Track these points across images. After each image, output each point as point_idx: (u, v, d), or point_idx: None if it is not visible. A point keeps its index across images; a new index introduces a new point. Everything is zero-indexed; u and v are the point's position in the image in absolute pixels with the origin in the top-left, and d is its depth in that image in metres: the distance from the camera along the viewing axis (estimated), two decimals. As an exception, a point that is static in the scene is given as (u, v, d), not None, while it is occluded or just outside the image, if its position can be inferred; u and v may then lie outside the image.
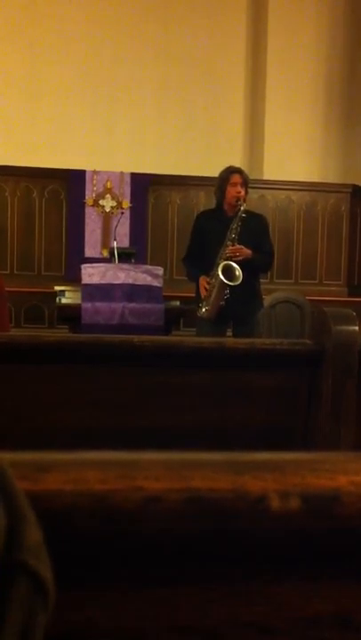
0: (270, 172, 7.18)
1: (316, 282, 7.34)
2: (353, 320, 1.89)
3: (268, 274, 7.13)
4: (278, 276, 7.22)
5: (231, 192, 4.39)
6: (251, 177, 7.20)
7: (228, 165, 4.59)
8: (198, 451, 0.64)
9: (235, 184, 4.40)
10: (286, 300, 6.48)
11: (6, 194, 6.87)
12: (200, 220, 4.63)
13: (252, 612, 0.64)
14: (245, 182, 4.45)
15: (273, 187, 7.18)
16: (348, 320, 1.88)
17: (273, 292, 6.84)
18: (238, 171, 4.48)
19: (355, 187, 7.35)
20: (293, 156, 7.27)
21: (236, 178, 4.42)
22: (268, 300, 6.70)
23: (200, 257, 4.42)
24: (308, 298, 6.65)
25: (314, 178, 7.38)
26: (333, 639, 0.66)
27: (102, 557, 0.61)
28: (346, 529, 0.61)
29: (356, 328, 1.87)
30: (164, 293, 4.58)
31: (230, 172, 4.47)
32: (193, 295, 4.52)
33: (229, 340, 2.87)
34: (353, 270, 7.39)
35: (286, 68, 7.20)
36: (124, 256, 5.06)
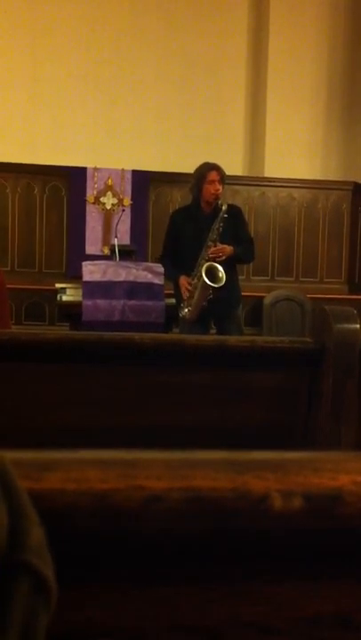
0: (271, 169, 7.18)
1: (317, 280, 7.34)
2: (354, 318, 1.89)
3: (269, 272, 7.14)
4: (279, 273, 7.22)
5: (209, 189, 4.32)
6: (252, 174, 7.24)
7: (204, 162, 4.52)
8: (199, 450, 0.64)
9: (212, 181, 4.32)
10: (287, 298, 6.48)
11: (7, 191, 6.87)
12: (176, 218, 4.56)
13: (252, 611, 0.64)
14: (223, 179, 4.37)
15: (274, 184, 7.17)
16: (349, 318, 1.87)
17: (274, 290, 6.85)
18: (216, 167, 4.37)
19: (356, 184, 7.34)
20: (294, 153, 7.26)
21: (213, 175, 4.33)
22: (268, 297, 6.71)
23: (177, 256, 4.38)
24: (308, 296, 6.65)
25: (315, 175, 7.37)
26: (334, 639, 0.66)
27: (103, 556, 0.61)
28: (348, 529, 0.61)
29: (358, 326, 1.87)
30: (165, 291, 4.57)
31: (208, 168, 4.38)
32: (174, 293, 4.47)
33: (230, 338, 2.87)
34: (354, 268, 7.38)
35: (287, 65, 7.18)
36: (125, 253, 5.05)
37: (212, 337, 2.49)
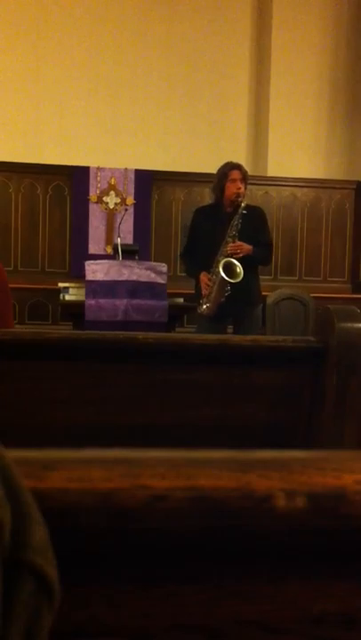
0: (274, 168, 7.17)
1: (321, 279, 7.33)
2: (357, 317, 1.89)
3: (272, 271, 7.14)
4: (282, 273, 7.22)
5: (231, 188, 4.37)
6: (255, 173, 7.23)
7: (226, 161, 4.57)
8: (202, 448, 0.64)
9: (234, 180, 4.37)
10: (290, 297, 6.47)
11: (10, 190, 6.88)
12: (198, 216, 4.61)
13: (256, 610, 0.64)
14: (245, 178, 4.43)
15: (277, 183, 7.17)
16: (352, 317, 1.87)
17: (277, 289, 6.84)
18: (238, 166, 4.45)
19: (359, 183, 7.34)
20: (298, 152, 7.26)
21: (235, 174, 4.39)
22: (272, 297, 6.70)
23: (198, 253, 4.41)
24: (311, 295, 6.64)
25: (318, 174, 7.37)
26: (338, 638, 0.66)
27: (107, 555, 0.61)
28: (352, 528, 0.60)
29: (361, 325, 1.86)
30: (168, 290, 4.57)
31: (230, 167, 4.44)
32: (195, 291, 4.51)
33: (233, 337, 2.87)
34: (357, 267, 7.38)
35: (291, 64, 7.18)
36: (128, 253, 5.06)
37: (215, 336, 2.49)
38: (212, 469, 0.60)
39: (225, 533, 0.60)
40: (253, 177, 7.18)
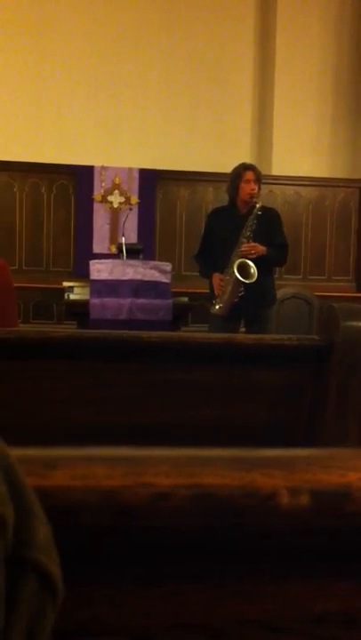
0: (279, 167, 7.17)
1: (325, 277, 7.32)
2: (362, 316, 1.88)
3: (277, 269, 7.12)
4: (287, 271, 7.21)
5: (245, 189, 4.38)
6: (259, 172, 7.22)
7: (240, 162, 4.58)
8: (206, 447, 0.64)
9: (248, 181, 4.39)
10: (295, 296, 6.46)
11: (15, 190, 6.88)
12: (213, 217, 4.62)
13: (257, 610, 0.64)
14: (259, 179, 4.45)
15: (281, 182, 7.16)
16: (356, 316, 1.87)
17: (281, 287, 6.83)
18: (252, 167, 4.47)
19: (363, 182, 7.33)
20: (302, 151, 7.25)
21: (249, 174, 4.41)
22: (276, 295, 6.69)
23: (213, 254, 4.42)
24: (316, 294, 6.63)
25: (322, 173, 7.36)
26: (340, 638, 0.66)
27: (110, 554, 0.61)
28: (356, 526, 0.60)
29: (365, 324, 1.86)
30: (172, 289, 4.57)
31: (244, 168, 4.46)
32: (200, 291, 4.53)
33: (237, 335, 2.87)
34: (361, 266, 7.37)
35: (294, 63, 7.17)
36: (133, 252, 5.05)
37: (219, 335, 2.49)
38: (215, 468, 0.59)
39: (228, 532, 0.59)
40: (262, 177, 7.19)
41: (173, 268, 5.00)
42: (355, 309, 1.90)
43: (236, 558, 0.62)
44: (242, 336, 2.53)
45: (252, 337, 2.10)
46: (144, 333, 1.91)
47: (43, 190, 6.92)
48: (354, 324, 1.85)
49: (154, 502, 0.57)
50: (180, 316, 4.62)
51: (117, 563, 0.61)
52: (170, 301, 4.46)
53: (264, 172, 7.15)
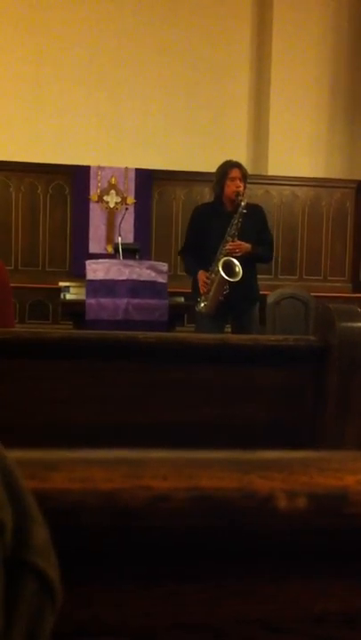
0: (275, 167, 7.17)
1: (321, 278, 7.33)
2: (358, 316, 1.89)
3: (273, 270, 7.13)
4: (283, 272, 7.22)
5: (231, 187, 4.37)
6: (255, 172, 7.23)
7: (226, 159, 4.57)
8: (203, 448, 0.64)
9: (234, 178, 4.37)
10: (291, 297, 6.47)
11: (11, 189, 6.88)
12: (198, 214, 4.60)
13: (258, 610, 0.64)
14: (245, 176, 4.43)
15: (278, 182, 7.17)
16: (352, 316, 1.87)
17: (277, 288, 6.84)
18: (237, 165, 4.44)
19: (360, 182, 7.33)
20: (298, 151, 7.26)
21: (235, 172, 4.39)
22: (272, 296, 6.70)
23: (198, 251, 4.40)
24: (312, 294, 6.64)
25: (318, 173, 7.36)
26: (339, 638, 0.66)
27: (109, 555, 0.61)
28: (353, 528, 0.60)
29: (362, 325, 1.86)
30: (169, 289, 4.57)
31: (230, 166, 4.44)
32: (192, 289, 4.50)
33: (234, 336, 2.87)
34: (357, 266, 7.38)
35: (291, 63, 7.17)
36: (129, 252, 5.05)
37: (216, 335, 2.49)
38: (213, 470, 0.60)
39: (226, 533, 0.60)
40: (254, 176, 7.18)
41: (170, 268, 5.00)
42: (351, 310, 1.90)
43: (235, 558, 0.63)
44: (238, 336, 2.53)
45: (248, 337, 2.10)
46: (141, 334, 1.92)
47: (39, 190, 6.91)
48: (350, 324, 1.85)
49: (152, 504, 0.58)
50: (176, 316, 4.62)
51: (117, 563, 0.61)
52: (166, 301, 4.46)
53: (260, 172, 7.18)
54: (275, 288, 6.84)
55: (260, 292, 4.72)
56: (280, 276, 7.16)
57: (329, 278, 7.34)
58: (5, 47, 6.97)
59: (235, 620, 0.64)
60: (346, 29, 7.38)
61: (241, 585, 0.64)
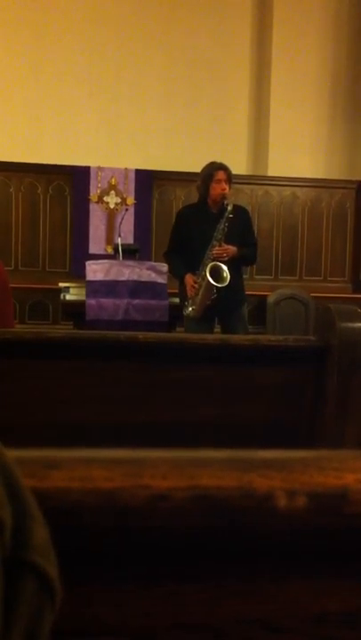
0: (275, 168, 7.17)
1: (321, 278, 7.33)
2: (358, 316, 1.89)
3: (273, 270, 7.14)
4: (283, 272, 7.22)
5: (216, 189, 4.35)
6: (255, 173, 7.24)
7: (211, 161, 4.55)
8: (203, 447, 0.64)
9: (219, 181, 4.35)
10: (291, 297, 6.47)
11: (11, 190, 6.88)
12: (183, 215, 4.59)
13: (258, 610, 0.64)
14: (230, 179, 4.41)
15: (278, 183, 7.17)
16: (352, 316, 1.87)
17: (277, 288, 6.84)
18: (222, 167, 4.41)
19: (360, 183, 7.33)
20: (298, 151, 7.26)
21: (220, 174, 4.37)
22: (272, 296, 6.70)
23: (183, 253, 4.39)
24: (312, 294, 6.64)
25: (319, 174, 7.37)
26: (340, 637, 0.66)
27: (109, 555, 0.61)
28: (353, 527, 0.60)
29: (362, 325, 1.86)
30: (168, 290, 4.57)
31: (215, 168, 4.41)
32: (178, 291, 4.48)
33: (234, 337, 2.87)
34: (357, 267, 7.38)
35: (291, 63, 7.17)
36: (129, 252, 5.06)
37: (215, 336, 2.49)
38: (213, 469, 0.60)
39: (226, 533, 0.60)
40: (254, 176, 7.20)
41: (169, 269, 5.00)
42: (351, 310, 1.90)
43: (236, 558, 0.63)
44: (238, 337, 2.53)
45: (249, 337, 2.10)
46: (141, 334, 1.92)
47: (39, 190, 6.91)
48: (350, 324, 1.85)
49: (152, 504, 0.57)
50: (176, 317, 4.62)
51: (117, 563, 0.61)
52: (166, 302, 4.46)
53: (261, 172, 7.18)
54: (275, 288, 6.84)
55: (247, 293, 4.70)
56: (280, 277, 7.16)
57: (329, 279, 7.34)
58: (5, 47, 6.97)
59: (235, 620, 0.64)
60: (346, 29, 7.39)
61: (241, 585, 0.64)
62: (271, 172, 7.16)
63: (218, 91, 7.31)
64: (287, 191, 7.24)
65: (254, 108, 7.43)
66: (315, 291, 6.80)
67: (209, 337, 2.33)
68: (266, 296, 6.70)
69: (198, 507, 0.58)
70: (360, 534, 0.61)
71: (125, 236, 6.20)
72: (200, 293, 4.23)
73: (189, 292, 4.29)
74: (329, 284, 7.25)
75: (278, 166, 7.16)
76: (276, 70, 7.17)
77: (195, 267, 4.27)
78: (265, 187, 7.13)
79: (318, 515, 0.60)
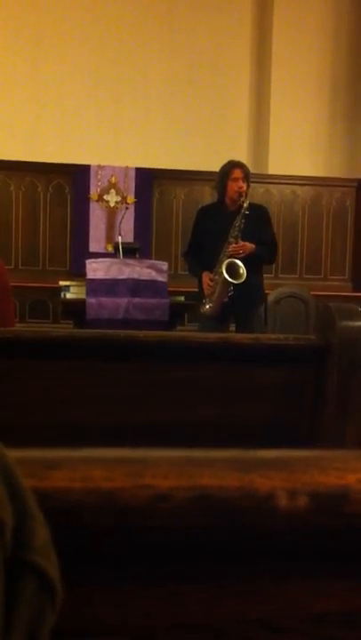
0: (275, 166, 7.17)
1: (321, 277, 7.33)
2: (358, 315, 1.88)
3: (273, 269, 7.13)
4: (283, 271, 7.21)
5: (233, 187, 4.36)
6: (256, 171, 7.22)
7: (229, 159, 4.56)
8: (203, 447, 0.64)
9: (236, 179, 4.37)
10: (291, 295, 6.47)
11: (11, 189, 6.87)
12: (202, 215, 4.61)
13: (258, 609, 0.64)
14: (247, 176, 4.42)
15: (278, 181, 7.17)
16: (353, 315, 1.87)
17: (277, 287, 6.84)
18: (240, 165, 4.44)
19: (360, 181, 7.33)
20: (298, 150, 7.25)
21: (237, 172, 4.38)
22: (272, 295, 6.70)
23: (202, 251, 4.40)
24: (312, 293, 6.64)
25: (319, 172, 7.36)
26: (340, 637, 0.66)
27: (109, 555, 0.61)
28: (354, 527, 0.60)
29: (362, 323, 1.86)
30: (169, 288, 4.57)
31: (231, 166, 4.43)
32: (198, 290, 4.51)
33: (234, 335, 2.87)
34: (358, 265, 7.37)
35: (291, 62, 7.17)
36: (129, 251, 5.05)
37: (216, 334, 2.49)
38: (214, 469, 0.60)
39: (227, 533, 0.60)
40: (254, 175, 7.16)
41: (170, 267, 5.00)
42: (351, 309, 1.90)
43: (236, 558, 0.63)
44: (239, 335, 2.53)
45: (249, 336, 2.10)
46: (141, 333, 1.92)
47: (39, 189, 6.91)
48: (350, 323, 1.85)
49: (153, 504, 0.57)
50: (176, 316, 4.62)
51: (117, 563, 0.61)
52: (167, 300, 4.46)
53: (261, 171, 7.18)
54: (275, 287, 6.83)
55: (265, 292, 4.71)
56: (280, 275, 7.15)
57: (329, 277, 7.34)
58: (5, 46, 6.96)
59: (235, 620, 0.64)
60: (346, 29, 7.38)
61: (241, 585, 0.64)
62: (271, 171, 7.16)
63: (218, 89, 7.30)
64: (287, 189, 7.24)
65: (255, 106, 7.42)
66: (315, 289, 6.80)
67: (209, 336, 2.32)
68: (266, 294, 6.69)
69: (199, 507, 0.58)
70: (360, 534, 0.61)
71: (126, 234, 6.20)
72: (216, 291, 4.24)
73: (206, 290, 4.30)
74: (329, 283, 7.25)
75: (279, 165, 7.15)
76: (277, 69, 7.16)
77: (212, 265, 4.27)
78: (265, 185, 7.12)
79: (319, 515, 0.60)
